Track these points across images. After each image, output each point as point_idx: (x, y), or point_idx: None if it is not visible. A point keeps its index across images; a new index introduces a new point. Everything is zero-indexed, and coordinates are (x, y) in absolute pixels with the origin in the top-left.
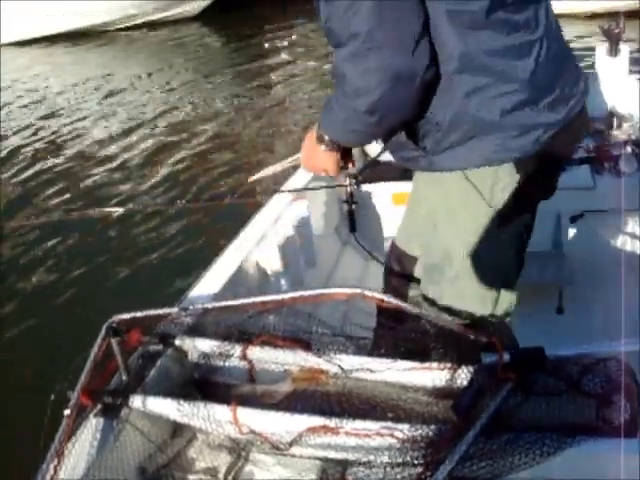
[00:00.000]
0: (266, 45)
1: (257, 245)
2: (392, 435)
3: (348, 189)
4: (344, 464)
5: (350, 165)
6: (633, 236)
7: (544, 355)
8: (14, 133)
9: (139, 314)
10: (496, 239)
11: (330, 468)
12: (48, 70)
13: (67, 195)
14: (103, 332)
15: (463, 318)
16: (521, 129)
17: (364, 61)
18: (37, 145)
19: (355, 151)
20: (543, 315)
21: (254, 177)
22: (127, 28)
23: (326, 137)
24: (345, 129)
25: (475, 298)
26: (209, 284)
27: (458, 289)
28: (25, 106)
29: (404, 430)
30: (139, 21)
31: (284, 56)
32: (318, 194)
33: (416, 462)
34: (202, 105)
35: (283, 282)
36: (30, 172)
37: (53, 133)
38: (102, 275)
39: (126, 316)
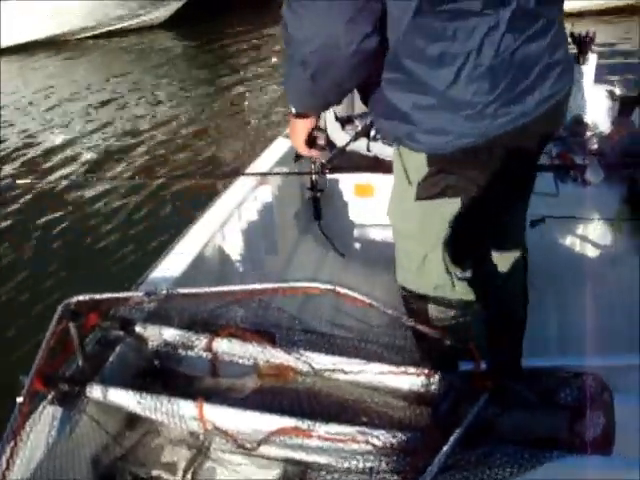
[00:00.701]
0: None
1: (220, 228)
2: (367, 441)
3: (313, 176)
4: (305, 466)
5: (320, 143)
6: (594, 244)
7: (520, 365)
8: None
9: (97, 296)
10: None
11: (291, 469)
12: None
13: None
14: (59, 314)
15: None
16: (431, 128)
17: (302, 13)
18: None
19: (321, 140)
20: None
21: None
22: (93, 36)
23: (292, 108)
24: (290, 88)
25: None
26: (170, 267)
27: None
28: None
29: (380, 436)
30: (103, 30)
31: (250, 60)
32: (282, 179)
33: (393, 471)
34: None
35: (244, 267)
36: None
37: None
38: (59, 255)
39: (84, 298)
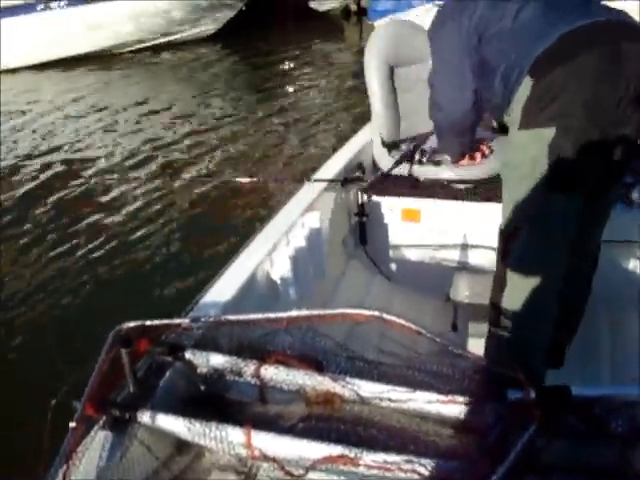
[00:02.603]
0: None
1: (268, 255)
2: (414, 470)
3: (359, 201)
4: None
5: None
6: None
7: (570, 394)
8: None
9: (148, 323)
10: None
11: None
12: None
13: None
14: (110, 340)
15: None
16: None
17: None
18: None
19: (367, 164)
20: None
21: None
22: (139, 50)
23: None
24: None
25: None
26: (219, 293)
27: None
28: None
29: (427, 465)
30: (151, 43)
31: (299, 73)
32: (329, 206)
33: None
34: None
35: (292, 293)
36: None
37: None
38: (108, 281)
39: (134, 324)
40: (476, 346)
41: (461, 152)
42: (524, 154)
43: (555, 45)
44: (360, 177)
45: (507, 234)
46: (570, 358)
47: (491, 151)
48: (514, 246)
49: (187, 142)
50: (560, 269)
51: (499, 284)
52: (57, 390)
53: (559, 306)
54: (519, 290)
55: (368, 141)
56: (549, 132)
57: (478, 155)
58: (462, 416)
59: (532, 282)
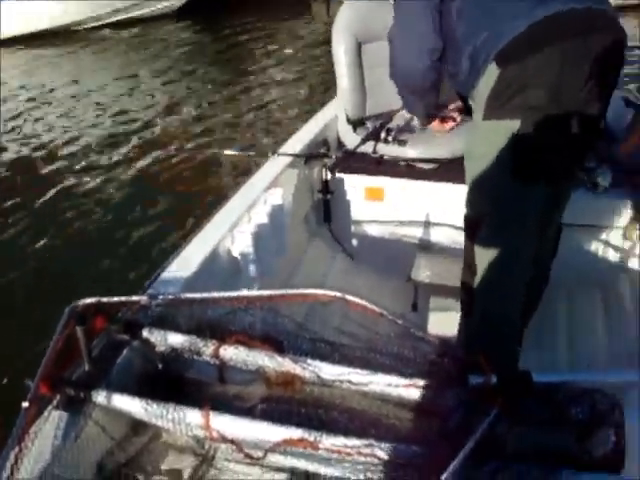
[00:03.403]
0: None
1: (229, 231)
2: (374, 454)
3: (323, 178)
4: (312, 478)
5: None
6: (604, 252)
7: (531, 380)
8: None
9: (104, 299)
10: None
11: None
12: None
13: None
14: (66, 317)
15: None
16: None
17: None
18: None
19: (332, 141)
20: None
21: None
22: (101, 26)
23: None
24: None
25: None
26: (178, 269)
27: None
28: None
29: (387, 450)
30: (114, 19)
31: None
32: (292, 182)
33: None
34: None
35: (253, 270)
36: None
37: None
38: (64, 257)
39: (90, 301)
40: (436, 326)
41: (426, 114)
42: (487, 145)
43: (524, 35)
44: (325, 154)
45: (471, 222)
46: (528, 343)
47: (462, 120)
48: (480, 234)
49: (152, 119)
50: (528, 254)
51: (469, 269)
52: (9, 369)
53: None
54: (489, 276)
55: (333, 117)
56: (513, 124)
57: (450, 122)
58: (423, 400)
59: (501, 268)
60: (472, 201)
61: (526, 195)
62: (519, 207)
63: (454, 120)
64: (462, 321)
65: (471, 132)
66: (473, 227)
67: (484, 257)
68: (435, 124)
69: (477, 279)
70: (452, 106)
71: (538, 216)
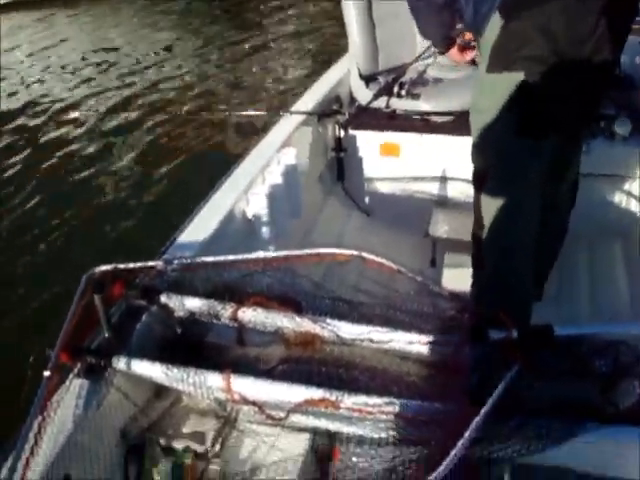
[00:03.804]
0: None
1: (244, 193)
2: (396, 412)
3: (337, 135)
4: (333, 437)
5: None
6: (625, 201)
7: (553, 333)
8: None
9: (121, 266)
10: None
11: (319, 440)
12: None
13: None
14: (83, 285)
15: None
16: None
17: None
18: None
19: (344, 97)
20: None
21: None
22: None
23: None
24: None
25: None
26: (194, 233)
27: None
28: None
29: (409, 407)
30: None
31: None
32: (305, 141)
33: (423, 443)
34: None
35: (269, 232)
36: None
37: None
38: (79, 225)
39: (107, 268)
40: (454, 282)
41: (442, 37)
42: (492, 99)
43: None
44: (337, 111)
45: (478, 175)
46: (548, 295)
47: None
48: (485, 186)
49: (159, 81)
50: (533, 207)
51: (478, 222)
52: (31, 340)
53: (537, 241)
54: (495, 229)
55: (345, 73)
56: (517, 76)
57: (470, 51)
58: (444, 357)
59: (506, 221)
60: (478, 154)
61: (530, 149)
62: (523, 160)
63: (474, 50)
64: (473, 275)
65: (476, 85)
66: (480, 180)
67: (490, 210)
68: (454, 52)
69: (485, 234)
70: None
71: (546, 169)
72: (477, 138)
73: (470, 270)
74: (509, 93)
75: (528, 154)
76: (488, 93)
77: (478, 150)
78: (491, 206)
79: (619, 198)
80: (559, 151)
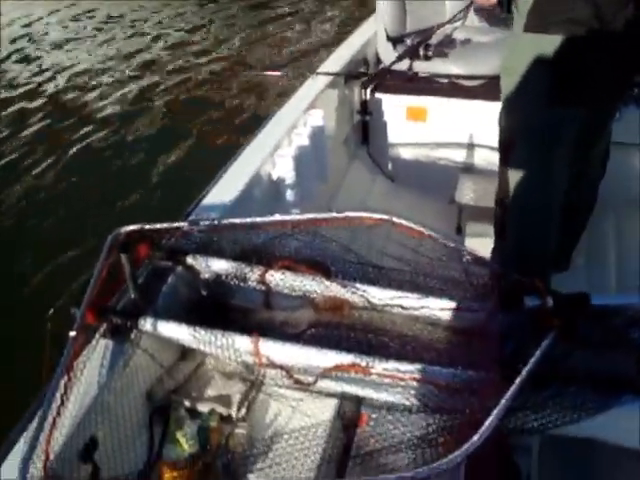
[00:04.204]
0: None
1: (270, 155)
2: (428, 380)
3: (363, 98)
4: (360, 403)
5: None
6: None
7: (589, 302)
8: None
9: (147, 226)
10: None
11: (347, 405)
12: None
13: None
14: (109, 245)
15: None
16: None
17: None
18: None
19: (371, 59)
20: None
21: None
22: None
23: None
24: None
25: None
26: (219, 195)
27: None
28: None
29: (441, 374)
30: None
31: None
32: (332, 103)
33: (456, 411)
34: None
35: (295, 195)
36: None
37: None
38: (105, 185)
39: (132, 228)
40: (480, 249)
41: None
42: (526, 60)
43: None
44: (364, 73)
45: (504, 144)
46: (576, 264)
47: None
48: (513, 154)
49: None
50: (561, 177)
51: (502, 190)
52: (56, 300)
53: (565, 210)
54: (521, 197)
55: (372, 36)
56: (557, 39)
57: None
58: (477, 324)
59: (534, 189)
60: (506, 119)
61: (562, 116)
62: (554, 128)
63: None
64: (495, 242)
65: (510, 44)
66: (506, 146)
67: (516, 178)
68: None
69: (510, 202)
70: None
71: (577, 136)
72: (507, 101)
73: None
74: (546, 55)
75: (560, 121)
76: (523, 54)
77: (507, 114)
78: (517, 174)
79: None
80: (591, 119)
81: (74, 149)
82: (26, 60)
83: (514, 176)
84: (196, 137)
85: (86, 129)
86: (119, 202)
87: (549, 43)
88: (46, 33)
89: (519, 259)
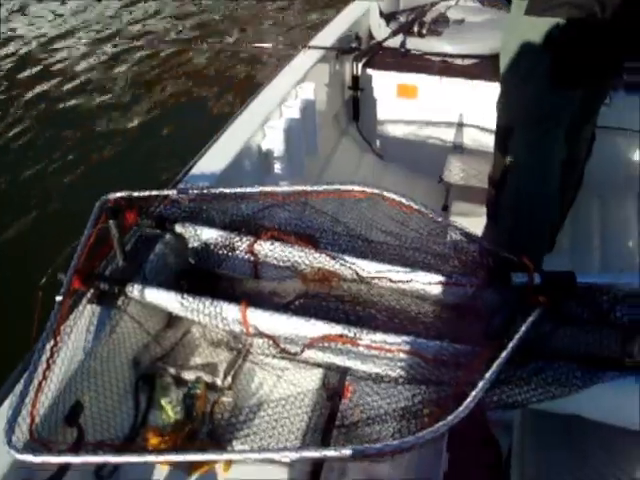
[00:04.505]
0: None
1: (261, 126)
2: (415, 352)
3: (354, 73)
4: (345, 374)
5: None
6: None
7: (575, 280)
8: None
9: (135, 193)
10: None
11: (331, 376)
12: None
13: None
14: (97, 210)
15: None
16: None
17: None
18: None
19: (363, 35)
20: None
21: None
22: None
23: None
24: None
25: None
26: (209, 165)
27: None
28: None
29: (429, 347)
30: None
31: None
32: (323, 77)
33: (442, 384)
34: None
35: (284, 168)
36: None
37: None
38: (93, 150)
39: (121, 195)
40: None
41: None
42: (526, 43)
43: None
44: (356, 48)
45: (503, 130)
46: (560, 246)
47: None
48: (513, 136)
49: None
50: (560, 159)
51: (497, 172)
52: (44, 265)
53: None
54: (519, 180)
55: (365, 11)
56: (559, 21)
57: None
58: (465, 299)
59: (532, 172)
60: (505, 103)
61: (563, 98)
62: (554, 112)
63: None
64: (488, 223)
65: (510, 27)
66: (505, 130)
67: (514, 162)
68: None
69: (508, 185)
70: None
71: (572, 119)
72: (506, 84)
73: (481, 218)
74: (547, 38)
75: (560, 103)
76: (523, 37)
77: (506, 97)
78: (515, 157)
79: (634, 152)
80: (585, 101)
81: (61, 115)
82: None
83: (512, 159)
84: (185, 107)
85: (78, 98)
86: (107, 170)
87: (550, 26)
88: None
89: (513, 241)
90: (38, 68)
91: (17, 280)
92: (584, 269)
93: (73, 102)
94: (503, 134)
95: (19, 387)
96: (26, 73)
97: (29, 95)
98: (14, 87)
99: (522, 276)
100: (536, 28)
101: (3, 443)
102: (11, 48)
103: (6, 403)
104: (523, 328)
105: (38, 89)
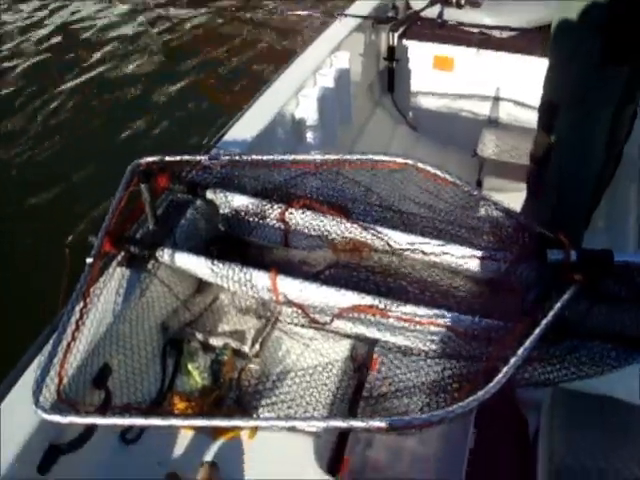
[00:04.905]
0: None
1: (294, 94)
2: (447, 325)
3: (390, 44)
4: (374, 347)
5: None
6: None
7: (612, 259)
8: None
9: (167, 158)
10: None
11: (360, 349)
12: None
13: None
14: (128, 174)
15: None
16: None
17: None
18: None
19: (400, 4)
20: None
21: None
22: None
23: None
24: None
25: None
26: (241, 131)
27: None
28: None
29: (461, 321)
30: None
31: None
32: (358, 46)
33: (473, 359)
34: None
35: (317, 137)
36: None
37: None
38: (127, 116)
39: (153, 159)
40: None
41: None
42: (574, 21)
43: None
44: (393, 18)
45: (548, 108)
46: (598, 222)
47: None
48: (560, 114)
49: None
50: (604, 139)
51: (539, 149)
52: (75, 228)
53: None
54: (563, 161)
55: None
56: None
57: None
58: (499, 274)
59: (577, 154)
60: (554, 81)
61: (608, 78)
62: (598, 92)
63: None
64: (527, 200)
65: (561, 7)
66: (550, 108)
67: (559, 142)
68: None
69: (552, 163)
70: None
71: (617, 99)
72: (557, 62)
73: (514, 194)
74: (598, 16)
75: (605, 83)
76: (575, 16)
77: (556, 74)
78: (560, 135)
79: None
80: (630, 80)
81: (93, 84)
82: None
83: (557, 137)
84: (218, 73)
85: (104, 66)
86: (140, 135)
87: (599, 3)
88: None
89: (554, 219)
90: (70, 37)
91: (47, 245)
92: (619, 248)
93: (100, 70)
94: (548, 112)
95: (47, 348)
96: (58, 40)
97: (66, 64)
98: (48, 55)
99: (558, 253)
100: (587, 6)
101: (31, 403)
102: (44, 18)
103: (34, 364)
104: (558, 305)
105: (71, 57)
